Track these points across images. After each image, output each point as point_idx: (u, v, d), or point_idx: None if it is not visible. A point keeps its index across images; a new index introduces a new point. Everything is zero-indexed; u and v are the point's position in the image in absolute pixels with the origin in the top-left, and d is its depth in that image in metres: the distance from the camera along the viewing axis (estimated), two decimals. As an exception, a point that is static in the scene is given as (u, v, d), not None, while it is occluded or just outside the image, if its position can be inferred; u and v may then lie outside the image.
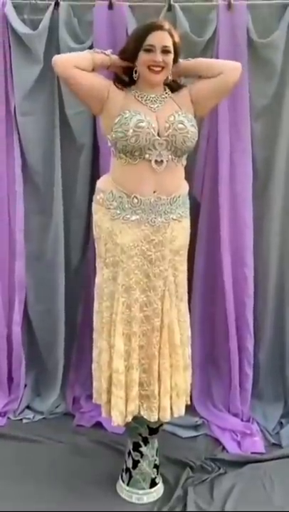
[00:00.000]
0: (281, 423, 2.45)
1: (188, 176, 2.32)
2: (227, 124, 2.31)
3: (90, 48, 2.29)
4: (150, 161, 1.74)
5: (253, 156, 2.36)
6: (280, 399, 2.53)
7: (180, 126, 1.75)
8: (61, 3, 2.32)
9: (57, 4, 2.32)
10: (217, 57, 2.27)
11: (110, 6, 2.30)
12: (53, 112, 2.40)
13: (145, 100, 1.79)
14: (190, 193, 2.33)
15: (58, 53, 2.31)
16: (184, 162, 1.88)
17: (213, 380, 2.53)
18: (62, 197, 2.45)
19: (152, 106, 1.79)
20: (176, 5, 2.29)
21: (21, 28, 2.32)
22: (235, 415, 2.45)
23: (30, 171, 2.48)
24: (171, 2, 2.29)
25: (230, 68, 1.88)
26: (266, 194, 2.42)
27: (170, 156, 1.77)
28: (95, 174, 2.39)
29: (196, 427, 2.42)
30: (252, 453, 2.26)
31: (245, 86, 2.29)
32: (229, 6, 2.27)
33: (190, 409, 2.40)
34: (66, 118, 2.40)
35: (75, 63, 1.75)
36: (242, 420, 2.45)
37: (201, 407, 2.49)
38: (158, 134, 1.74)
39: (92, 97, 1.79)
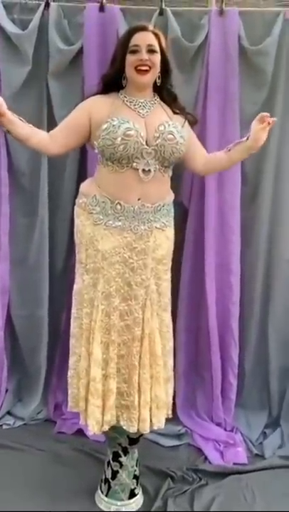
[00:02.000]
0: (265, 433, 2.43)
1: (177, 182, 2.32)
2: (216, 130, 2.29)
3: (80, 50, 2.28)
4: (137, 169, 1.72)
5: (242, 164, 2.34)
6: (264, 408, 2.51)
7: (170, 136, 1.73)
8: (51, 3, 2.29)
9: (47, 5, 2.29)
10: (208, 63, 2.26)
11: (101, 8, 2.28)
12: (41, 113, 2.37)
13: (134, 105, 1.77)
14: (178, 200, 2.34)
15: (47, 54, 2.30)
16: (170, 173, 1.86)
17: (197, 389, 2.50)
18: (48, 199, 2.41)
19: (141, 111, 1.77)
20: (168, 9, 2.28)
21: (11, 28, 2.29)
22: (219, 425, 2.43)
23: (17, 173, 2.44)
24: (163, 6, 2.27)
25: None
26: (255, 201, 2.41)
27: (157, 166, 1.75)
28: (81, 177, 2.34)
29: (178, 436, 2.39)
30: (234, 464, 2.23)
31: (235, 93, 2.28)
32: (221, 12, 2.25)
33: (173, 418, 2.39)
34: (54, 119, 2.35)
35: (42, 145, 1.78)
36: (225, 430, 2.42)
37: (185, 416, 2.46)
38: (146, 143, 1.72)
39: (86, 133, 1.80)
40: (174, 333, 2.39)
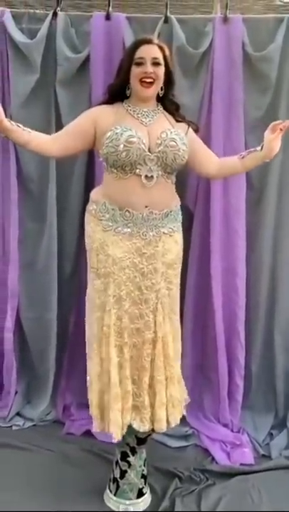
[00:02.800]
0: (271, 434, 2.45)
1: (182, 186, 2.36)
2: (221, 135, 2.33)
3: (87, 58, 2.33)
4: (140, 176, 1.76)
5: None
6: (271, 410, 2.54)
7: (172, 143, 1.77)
8: (59, 13, 2.34)
9: (55, 14, 2.34)
10: (212, 70, 2.30)
11: (108, 17, 2.32)
12: (49, 120, 2.42)
13: (137, 114, 1.81)
14: (183, 204, 2.38)
15: (55, 63, 2.35)
16: (174, 179, 1.90)
17: (204, 391, 2.53)
18: (57, 205, 2.46)
19: (144, 120, 1.81)
20: (173, 17, 2.32)
21: (19, 37, 2.35)
22: (225, 426, 2.45)
23: (26, 179, 2.49)
24: (168, 14, 2.32)
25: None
26: (260, 205, 2.43)
27: (160, 172, 1.79)
28: (89, 183, 2.40)
29: (186, 437, 2.42)
30: (241, 464, 2.26)
31: (239, 98, 2.31)
32: (225, 19, 2.29)
33: (181, 419, 2.41)
34: (62, 126, 2.38)
35: (45, 148, 1.82)
36: (232, 431, 2.45)
37: (192, 417, 2.48)
38: (149, 150, 1.76)
39: (89, 140, 1.84)
40: (182, 336, 2.42)
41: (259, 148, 1.86)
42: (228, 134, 2.34)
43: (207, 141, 2.32)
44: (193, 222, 2.43)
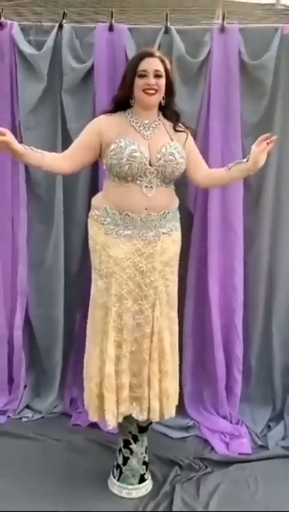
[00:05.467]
0: (269, 426, 2.55)
1: (183, 189, 2.47)
2: (219, 140, 2.43)
3: (91, 67, 2.45)
4: (141, 186, 1.88)
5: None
6: (269, 403, 2.64)
7: (170, 157, 1.89)
8: (65, 25, 2.47)
9: (61, 26, 2.46)
10: (210, 77, 2.41)
11: (110, 28, 2.44)
12: (56, 126, 2.54)
13: (139, 127, 1.93)
14: (184, 206, 2.49)
15: (61, 72, 2.48)
16: (173, 186, 2.02)
17: (204, 384, 2.63)
18: (63, 207, 2.58)
19: (145, 133, 1.93)
20: (173, 27, 2.43)
21: (27, 49, 2.47)
22: (224, 418, 2.56)
23: (34, 183, 2.61)
24: (168, 25, 2.43)
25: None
26: (257, 205, 2.53)
27: (159, 183, 1.91)
28: (94, 187, 2.52)
29: (186, 429, 2.54)
30: (239, 454, 2.37)
31: (236, 104, 2.42)
32: (222, 29, 2.40)
33: (182, 411, 2.54)
34: (68, 132, 2.53)
35: (58, 168, 1.94)
36: (231, 423, 2.55)
37: (193, 409, 2.60)
38: (150, 163, 1.88)
39: (96, 152, 1.96)
40: (182, 330, 2.55)
41: (245, 160, 1.95)
42: (225, 138, 2.45)
43: (205, 146, 2.44)
44: (193, 222, 2.53)
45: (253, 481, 2.18)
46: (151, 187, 1.89)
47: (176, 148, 1.93)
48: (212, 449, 2.41)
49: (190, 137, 2.04)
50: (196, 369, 2.63)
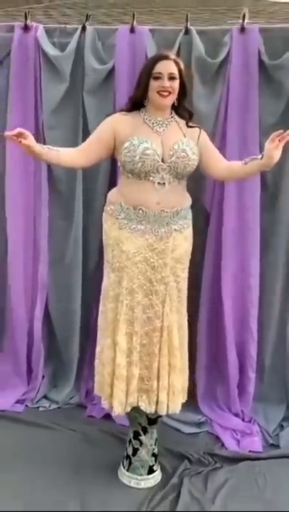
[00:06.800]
0: (282, 426, 2.55)
1: (200, 188, 2.51)
2: (236, 140, 2.45)
3: (113, 68, 2.52)
4: (154, 182, 1.93)
5: (262, 172, 2.48)
6: (283, 402, 2.64)
7: (182, 154, 1.94)
8: (88, 27, 2.54)
9: (84, 29, 2.53)
10: (229, 78, 2.43)
11: (132, 30, 2.50)
12: (77, 126, 2.61)
13: (152, 123, 1.98)
14: (200, 204, 2.53)
15: (83, 73, 2.55)
16: (185, 182, 2.06)
17: (217, 381, 2.66)
18: (83, 205, 2.65)
19: (158, 130, 1.98)
20: (193, 28, 2.46)
21: (51, 51, 2.55)
22: (236, 416, 2.58)
23: (55, 181, 2.69)
24: (188, 26, 2.47)
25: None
26: (274, 205, 2.53)
27: (172, 179, 1.95)
28: (112, 185, 2.56)
29: (198, 424, 2.57)
30: (250, 451, 2.38)
31: (255, 104, 2.43)
32: (242, 30, 2.42)
33: (194, 407, 2.58)
34: (89, 131, 2.57)
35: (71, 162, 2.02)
36: (243, 420, 2.57)
37: (205, 406, 2.63)
38: (162, 159, 1.93)
39: (110, 148, 2.02)
40: (197, 328, 2.58)
41: (260, 156, 1.97)
42: (243, 139, 2.46)
43: (223, 146, 2.46)
44: (210, 221, 2.56)
45: (261, 479, 2.20)
46: (164, 183, 1.94)
47: (189, 144, 1.97)
48: (223, 445, 2.43)
49: (203, 132, 2.07)
50: (209, 366, 2.66)
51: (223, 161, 2.15)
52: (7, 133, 1.85)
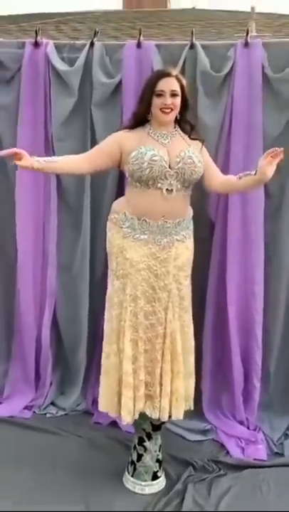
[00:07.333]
0: (287, 434, 2.56)
1: (205, 199, 2.56)
2: (240, 152, 2.50)
3: (120, 82, 2.59)
4: (162, 189, 1.99)
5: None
6: (288, 411, 2.65)
7: (189, 160, 2.00)
8: (96, 43, 2.62)
9: (92, 44, 2.62)
10: (233, 91, 2.48)
11: (139, 45, 2.57)
12: (86, 138, 2.68)
13: (157, 136, 2.05)
14: (205, 214, 2.57)
15: (91, 87, 2.62)
16: (190, 192, 2.11)
17: (222, 389, 2.68)
18: (90, 214, 2.71)
19: (164, 141, 2.05)
20: (198, 43, 2.53)
21: (60, 66, 2.63)
22: (241, 423, 2.59)
23: (64, 191, 2.76)
24: (194, 41, 2.53)
25: None
26: (278, 214, 2.57)
27: (179, 186, 2.01)
28: (119, 196, 2.63)
29: (204, 432, 2.59)
30: (254, 459, 2.39)
31: (258, 117, 2.48)
32: (246, 44, 2.48)
33: (200, 415, 2.60)
34: (96, 143, 2.63)
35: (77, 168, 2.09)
36: (248, 429, 2.58)
37: (210, 414, 2.65)
38: (169, 167, 1.99)
39: (115, 159, 2.08)
40: (202, 336, 2.62)
41: (253, 172, 2.02)
42: (247, 151, 2.51)
43: (227, 158, 2.51)
44: (214, 231, 2.61)
45: (265, 486, 2.21)
46: (172, 190, 2.00)
47: (194, 153, 2.04)
48: (227, 453, 2.45)
49: (204, 151, 2.14)
50: (215, 374, 2.68)
51: (219, 175, 2.21)
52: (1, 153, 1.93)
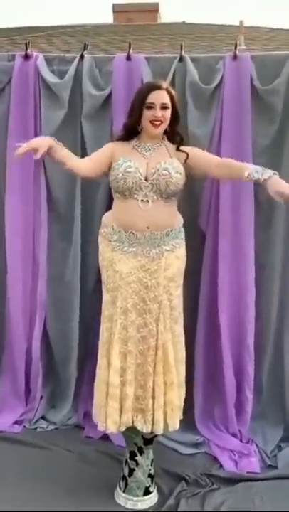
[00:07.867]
0: (280, 446, 2.54)
1: (196, 208, 2.57)
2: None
3: (110, 94, 2.60)
4: (137, 200, 2.00)
5: (256, 191, 2.54)
6: (281, 423, 2.63)
7: (164, 172, 2.01)
8: (85, 56, 2.63)
9: (82, 57, 2.63)
10: (223, 102, 2.51)
11: (128, 57, 2.59)
12: (76, 150, 2.63)
13: (141, 148, 2.08)
14: (196, 223, 2.58)
15: (81, 99, 2.63)
16: (175, 203, 2.11)
17: (215, 401, 2.66)
18: (81, 225, 2.70)
19: (146, 153, 2.07)
20: (187, 56, 2.56)
21: (50, 78, 2.65)
22: (234, 436, 2.57)
23: (54, 202, 2.76)
24: (183, 54, 2.56)
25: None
26: (269, 225, 2.58)
27: (156, 197, 2.02)
28: (110, 207, 2.62)
29: (196, 445, 2.56)
30: (247, 472, 2.37)
31: (248, 128, 2.51)
32: (235, 57, 2.51)
33: (192, 428, 2.57)
34: (87, 154, 2.64)
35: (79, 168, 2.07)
36: (241, 441, 2.56)
37: (203, 426, 2.62)
38: (146, 178, 2.01)
39: (107, 167, 2.11)
40: (194, 347, 2.60)
41: (261, 179, 1.94)
42: (237, 159, 2.51)
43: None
44: (205, 240, 2.60)
45: (259, 500, 2.18)
46: (147, 201, 2.01)
47: (172, 164, 2.04)
48: (221, 466, 2.42)
49: (194, 151, 2.12)
50: (207, 386, 2.66)
51: (214, 159, 2.16)
52: (22, 148, 1.89)
